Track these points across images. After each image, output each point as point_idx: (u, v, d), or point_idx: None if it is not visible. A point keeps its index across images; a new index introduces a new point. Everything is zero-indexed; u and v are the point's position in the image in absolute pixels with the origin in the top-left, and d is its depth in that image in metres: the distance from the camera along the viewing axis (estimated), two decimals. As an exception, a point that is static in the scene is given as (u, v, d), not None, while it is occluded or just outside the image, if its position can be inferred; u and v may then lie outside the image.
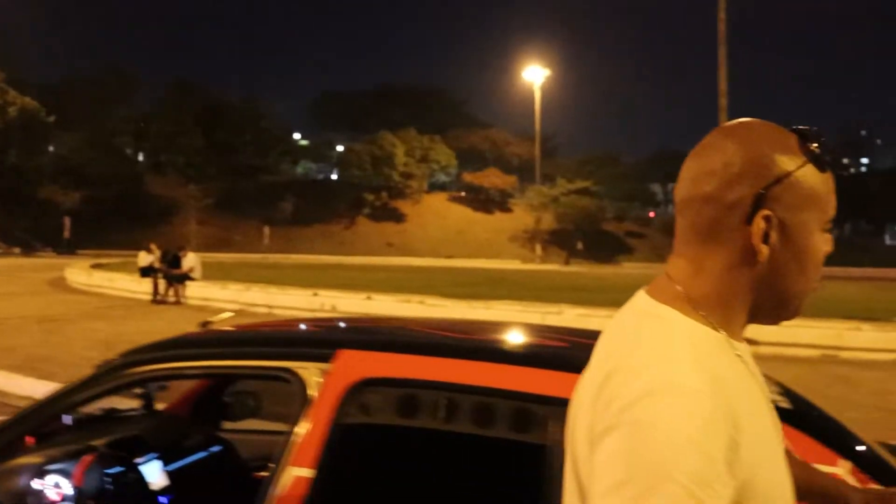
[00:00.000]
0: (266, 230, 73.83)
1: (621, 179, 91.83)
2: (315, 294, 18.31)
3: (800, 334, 13.34)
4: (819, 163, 1.16)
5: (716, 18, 39.17)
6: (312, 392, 2.28)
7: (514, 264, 67.42)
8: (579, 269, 60.01)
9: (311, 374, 2.32)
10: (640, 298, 1.22)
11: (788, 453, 1.39)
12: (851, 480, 1.88)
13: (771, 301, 1.18)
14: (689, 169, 1.20)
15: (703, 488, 0.98)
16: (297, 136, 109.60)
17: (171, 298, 21.59)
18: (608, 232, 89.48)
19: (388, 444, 2.74)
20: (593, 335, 2.84)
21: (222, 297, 20.37)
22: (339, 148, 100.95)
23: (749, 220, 1.14)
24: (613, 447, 1.03)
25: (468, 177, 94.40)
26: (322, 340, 2.71)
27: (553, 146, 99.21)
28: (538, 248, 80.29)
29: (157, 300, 21.56)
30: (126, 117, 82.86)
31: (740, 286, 1.16)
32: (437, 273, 37.03)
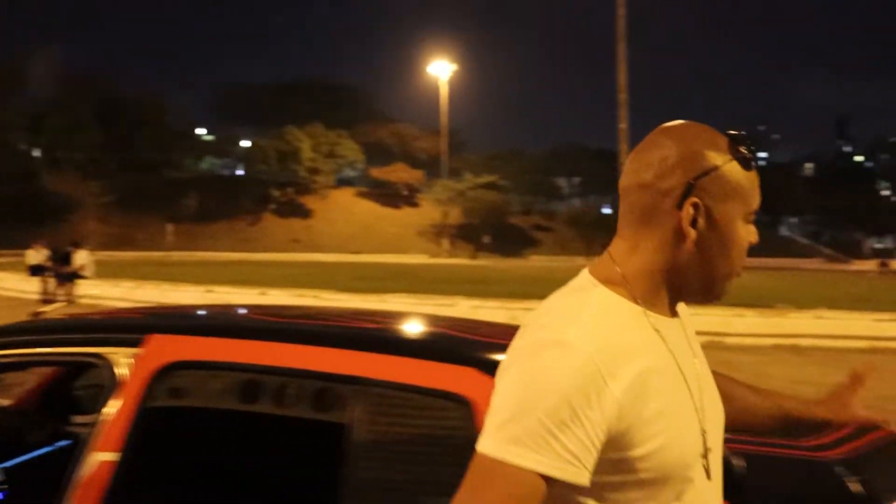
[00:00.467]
0: (169, 227, 72.31)
1: (527, 173, 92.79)
2: (209, 290, 18.03)
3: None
4: (744, 162, 1.30)
5: (616, 15, 39.85)
6: (120, 376, 2.24)
7: (421, 259, 67.55)
8: (486, 262, 60.46)
9: (120, 358, 2.28)
10: (581, 275, 1.35)
11: (757, 390, 1.71)
12: None
13: (698, 281, 1.31)
14: (632, 161, 1.34)
15: (559, 427, 1.14)
16: (201, 131, 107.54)
17: (62, 297, 20.96)
18: (515, 226, 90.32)
19: (196, 427, 2.72)
20: (431, 320, 2.83)
21: (114, 294, 19.92)
22: (245, 143, 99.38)
23: (680, 205, 1.28)
24: (501, 384, 1.22)
25: (375, 172, 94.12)
26: (133, 326, 2.65)
27: (460, 141, 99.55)
28: (445, 243, 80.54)
29: (47, 299, 20.89)
30: (19, 111, 79.68)
31: (669, 265, 1.30)
32: (341, 268, 36.78)
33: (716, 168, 1.28)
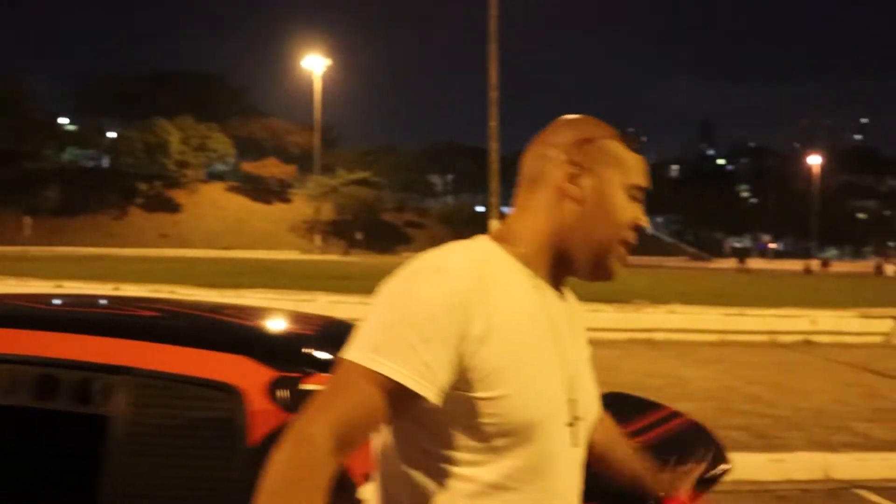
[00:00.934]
0: (27, 221, 69.01)
1: (401, 170, 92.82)
2: (58, 286, 17.20)
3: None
4: (628, 142, 1.46)
5: (488, 14, 40.15)
6: None
7: (293, 255, 66.56)
8: (357, 259, 60.10)
9: None
10: (480, 237, 1.46)
11: (618, 443, 1.82)
12: None
13: (582, 247, 1.41)
14: (532, 142, 1.51)
15: (421, 341, 1.23)
16: (63, 120, 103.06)
17: None
18: (388, 222, 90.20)
19: None
20: (216, 308, 2.67)
21: (-45, 290, 18.77)
22: (111, 134, 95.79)
23: (563, 166, 1.43)
24: (375, 301, 1.31)
25: (247, 166, 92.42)
26: None
27: (334, 137, 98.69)
28: (318, 239, 79.67)
29: None
30: None
31: (553, 226, 1.41)
32: (207, 264, 35.91)
33: (600, 137, 1.45)
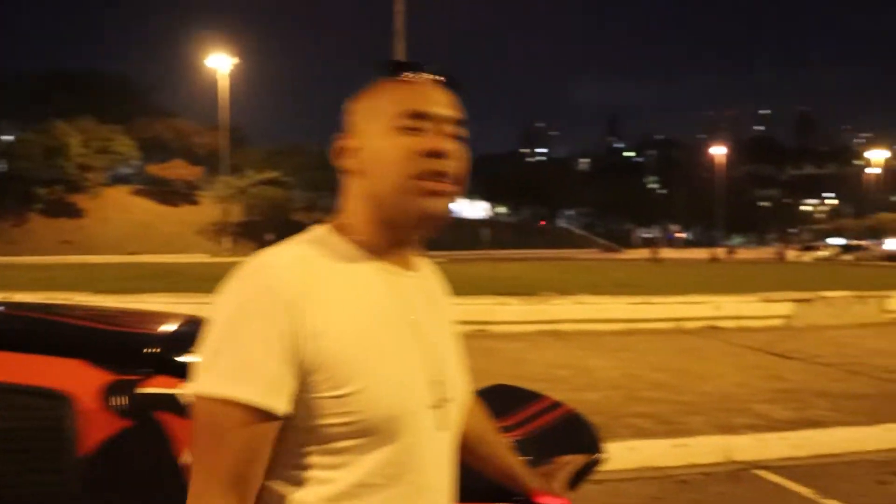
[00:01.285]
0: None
1: (309, 169, 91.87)
2: (-52, 295, 16.47)
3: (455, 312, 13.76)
4: (395, 70, 1.34)
5: (393, 11, 40.01)
6: None
7: (202, 258, 65.26)
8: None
9: None
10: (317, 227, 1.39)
11: (489, 437, 1.74)
12: None
13: (383, 207, 1.30)
14: None
15: (260, 350, 1.16)
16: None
17: None
18: (298, 222, 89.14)
19: None
20: (55, 310, 2.44)
21: None
22: (8, 138, 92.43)
23: (337, 143, 1.37)
24: (210, 319, 1.21)
25: (152, 169, 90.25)
26: None
27: (241, 137, 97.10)
28: (227, 241, 78.38)
29: None
30: None
31: (359, 203, 1.33)
32: (110, 269, 34.88)
33: (363, 96, 1.37)
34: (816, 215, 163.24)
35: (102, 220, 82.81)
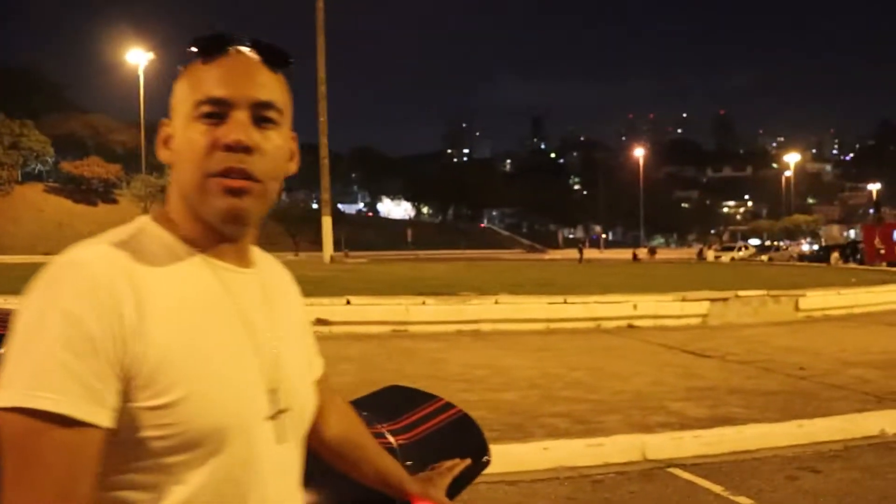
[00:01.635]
0: None
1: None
2: None
3: (370, 312, 13.66)
4: (199, 50, 1.18)
5: (315, 7, 39.59)
6: None
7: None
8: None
9: None
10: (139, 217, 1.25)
11: (361, 441, 1.62)
12: None
13: (194, 205, 1.17)
14: None
15: (76, 357, 1.01)
16: None
17: None
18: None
19: None
20: None
21: None
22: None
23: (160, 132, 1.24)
24: (17, 315, 1.06)
25: (67, 166, 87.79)
26: None
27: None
28: (147, 241, 76.93)
29: None
30: None
31: (173, 194, 1.20)
32: (20, 270, 33.80)
33: (178, 77, 1.22)
34: (736, 216, 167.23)
35: (13, 219, 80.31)
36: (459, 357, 11.14)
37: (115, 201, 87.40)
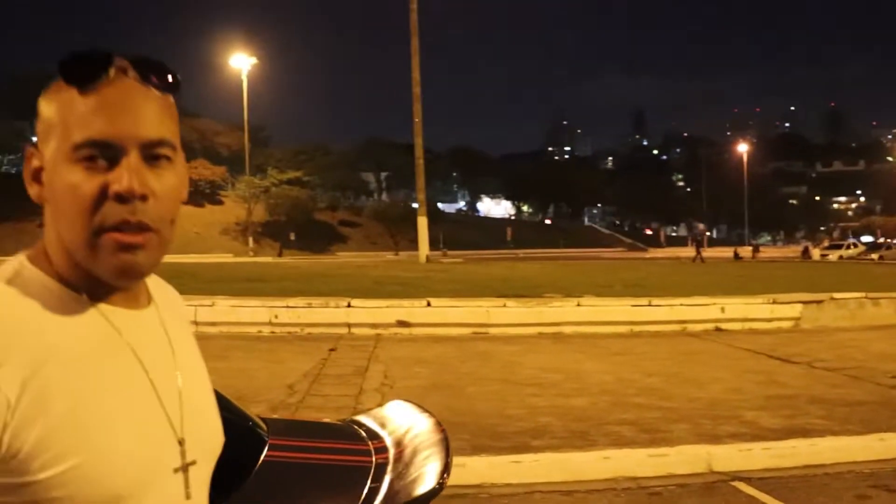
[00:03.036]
0: None
1: (333, 169, 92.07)
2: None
3: (451, 314, 13.66)
4: (70, 78, 1.01)
5: (409, 9, 39.84)
6: None
7: (225, 258, 65.53)
8: (291, 260, 59.34)
9: None
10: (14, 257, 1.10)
11: None
12: None
13: (76, 253, 1.03)
14: None
15: None
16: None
17: None
18: (322, 222, 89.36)
19: None
20: None
21: None
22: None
23: (27, 161, 1.09)
24: None
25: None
26: None
27: (265, 137, 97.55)
28: (250, 241, 78.66)
29: None
30: None
31: (50, 233, 1.06)
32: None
33: (39, 104, 1.06)
34: (847, 213, 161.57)
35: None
36: (535, 360, 11.03)
37: (220, 202, 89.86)
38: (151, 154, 1.03)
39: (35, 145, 1.08)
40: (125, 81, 1.03)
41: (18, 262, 1.08)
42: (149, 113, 1.04)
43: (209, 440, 1.17)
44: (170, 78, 1.08)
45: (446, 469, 2.17)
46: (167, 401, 1.08)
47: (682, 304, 14.45)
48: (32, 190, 1.08)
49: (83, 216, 1.00)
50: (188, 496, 1.09)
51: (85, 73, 1.01)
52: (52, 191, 1.04)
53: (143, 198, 1.01)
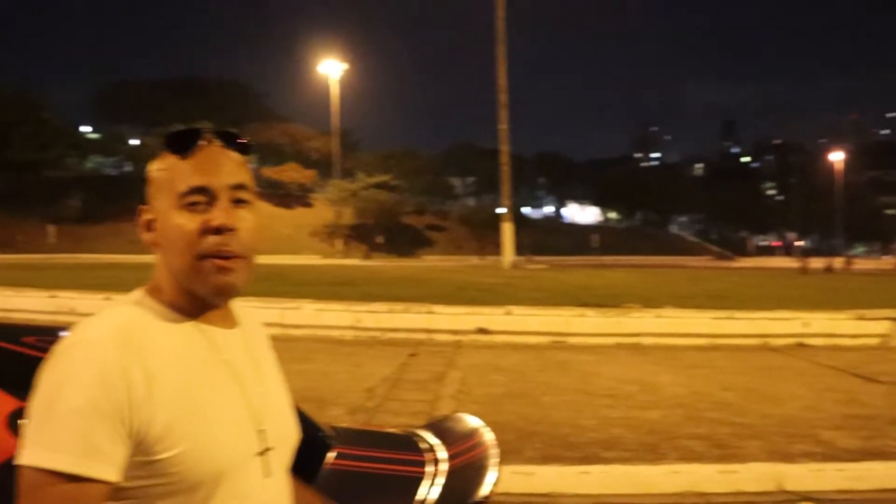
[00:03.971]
0: (51, 229, 69.56)
1: (420, 173, 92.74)
2: (53, 296, 17.32)
3: (530, 323, 13.76)
4: (176, 149, 1.39)
5: (495, 17, 40.06)
6: None
7: (314, 259, 66.61)
8: (377, 263, 60.04)
9: None
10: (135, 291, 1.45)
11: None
12: None
13: (185, 282, 1.38)
14: None
15: (87, 425, 1.21)
16: (86, 129, 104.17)
17: None
18: (409, 225, 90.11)
19: None
20: None
21: (-46, 299, 18.93)
22: (134, 142, 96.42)
23: (140, 215, 1.44)
24: (35, 391, 1.28)
25: (267, 172, 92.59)
26: None
27: (354, 141, 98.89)
28: (339, 243, 79.80)
29: None
30: None
31: (161, 271, 1.41)
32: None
33: (151, 171, 1.42)
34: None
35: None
36: (612, 371, 11.08)
37: (310, 205, 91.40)
38: (236, 198, 1.40)
39: (146, 203, 1.43)
40: (212, 147, 1.41)
41: (139, 293, 1.43)
42: (232, 166, 1.41)
43: (283, 431, 1.51)
44: (241, 142, 1.45)
45: (493, 484, 2.34)
46: (251, 402, 1.42)
47: (763, 318, 14.27)
48: (146, 237, 1.43)
49: (190, 247, 1.36)
50: (267, 474, 1.43)
51: (183, 144, 1.40)
52: (164, 232, 1.38)
53: (233, 230, 1.37)
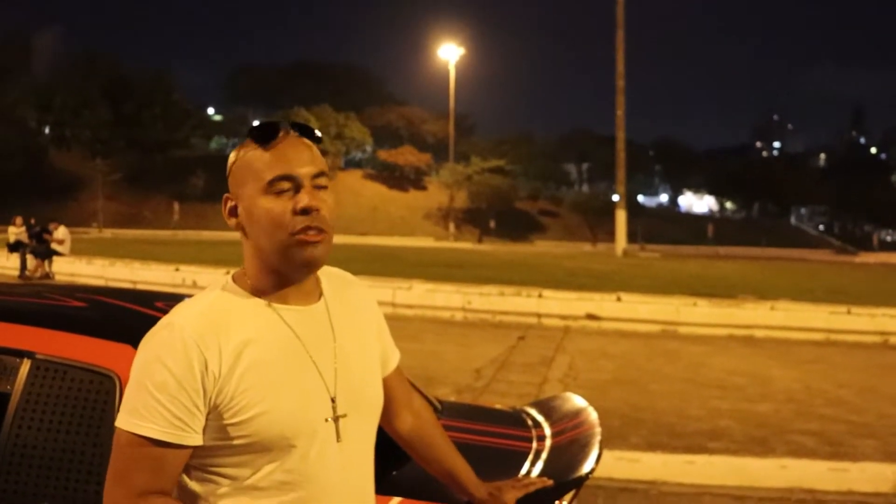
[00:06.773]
0: (176, 206, 72.18)
1: (535, 159, 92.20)
2: (177, 269, 18.10)
3: (640, 310, 13.67)
4: (260, 140, 1.54)
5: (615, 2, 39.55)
6: None
7: (427, 242, 67.14)
8: (489, 247, 60.18)
9: None
10: (224, 277, 1.63)
11: (435, 441, 1.92)
12: None
13: (269, 259, 1.54)
14: None
15: (166, 397, 1.43)
16: (210, 110, 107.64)
17: (38, 274, 21.03)
18: (522, 210, 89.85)
19: None
20: (139, 297, 2.82)
21: (88, 272, 19.99)
22: (255, 123, 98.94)
23: (224, 204, 1.60)
24: (134, 363, 1.50)
25: (383, 154, 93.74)
26: None
27: (469, 125, 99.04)
28: (452, 226, 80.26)
29: (25, 276, 20.96)
30: (27, 88, 79.03)
31: (249, 255, 1.58)
32: (335, 249, 36.68)
33: (234, 162, 1.58)
34: None
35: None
36: (722, 363, 10.94)
37: (424, 188, 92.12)
38: (316, 184, 1.55)
39: (228, 192, 1.59)
40: (291, 138, 1.57)
41: (226, 279, 1.62)
42: (311, 155, 1.58)
43: (358, 399, 1.62)
44: (316, 134, 1.63)
45: (596, 461, 2.41)
46: (324, 371, 1.57)
47: (885, 315, 13.78)
48: (231, 222, 1.60)
49: (280, 228, 1.51)
50: (339, 439, 1.57)
51: (266, 134, 1.55)
52: (251, 217, 1.54)
53: (317, 210, 1.52)
